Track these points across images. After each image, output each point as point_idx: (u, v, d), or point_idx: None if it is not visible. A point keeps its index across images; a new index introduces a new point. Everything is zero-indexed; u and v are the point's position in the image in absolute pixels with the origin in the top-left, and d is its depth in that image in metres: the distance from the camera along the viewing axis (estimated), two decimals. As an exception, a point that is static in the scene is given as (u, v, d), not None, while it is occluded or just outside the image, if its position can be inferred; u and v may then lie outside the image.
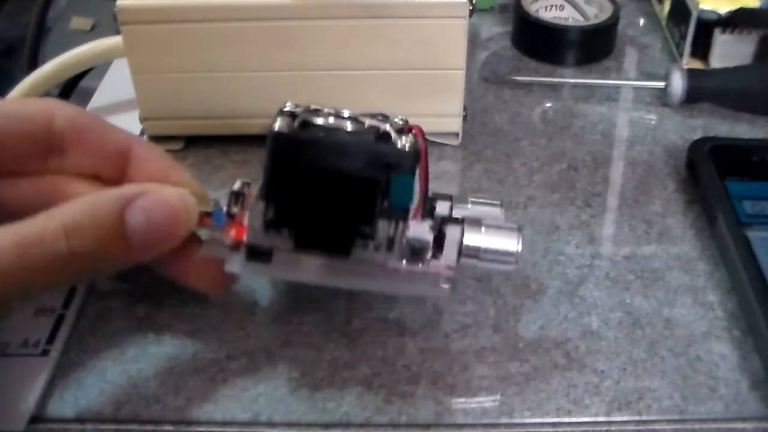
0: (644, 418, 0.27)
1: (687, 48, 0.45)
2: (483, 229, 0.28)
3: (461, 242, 0.28)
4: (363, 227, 0.27)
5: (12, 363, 0.28)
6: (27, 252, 0.23)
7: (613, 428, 0.27)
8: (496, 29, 0.50)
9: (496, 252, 0.28)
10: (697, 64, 0.45)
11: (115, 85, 0.43)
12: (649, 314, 0.31)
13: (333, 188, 0.26)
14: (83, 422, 0.27)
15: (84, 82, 0.44)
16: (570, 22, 0.48)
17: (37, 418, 0.27)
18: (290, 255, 0.27)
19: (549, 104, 0.44)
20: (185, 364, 0.29)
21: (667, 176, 0.38)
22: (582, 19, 0.49)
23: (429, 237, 0.27)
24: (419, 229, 0.27)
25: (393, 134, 0.26)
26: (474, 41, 0.49)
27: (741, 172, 0.35)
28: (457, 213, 0.29)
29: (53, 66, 0.41)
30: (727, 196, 0.34)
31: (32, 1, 0.48)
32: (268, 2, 0.36)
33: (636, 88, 0.45)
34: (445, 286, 0.28)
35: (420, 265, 0.28)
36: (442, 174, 0.38)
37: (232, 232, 0.27)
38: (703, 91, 0.42)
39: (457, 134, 0.40)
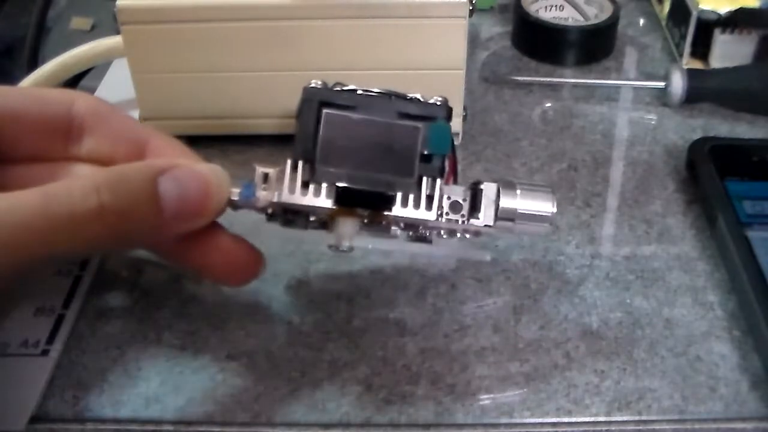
0: (644, 418, 0.27)
1: (687, 48, 0.45)
2: (518, 191, 0.28)
3: (497, 202, 0.28)
4: (404, 179, 0.27)
5: (12, 363, 0.28)
6: (54, 202, 0.23)
7: (613, 428, 0.27)
8: (496, 29, 0.50)
9: (532, 214, 0.28)
10: (697, 64, 0.45)
11: (115, 85, 0.43)
12: (649, 314, 0.31)
13: (374, 138, 0.26)
14: (83, 422, 0.27)
15: (84, 82, 0.44)
16: (570, 22, 0.48)
17: (37, 418, 0.27)
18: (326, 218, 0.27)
19: (549, 104, 0.44)
20: (185, 364, 0.29)
21: (667, 176, 0.38)
22: (582, 19, 0.49)
23: (465, 195, 0.28)
24: (455, 189, 0.28)
25: (420, 96, 0.27)
26: (474, 41, 0.49)
27: (741, 172, 0.35)
28: (505, 201, 0.29)
29: (53, 66, 0.41)
30: (727, 196, 0.34)
31: (32, 1, 0.48)
32: (268, 2, 0.36)
33: (636, 88, 0.45)
34: (487, 257, 0.28)
35: (459, 222, 0.28)
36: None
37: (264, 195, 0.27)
38: (703, 91, 0.42)
39: (457, 134, 0.40)
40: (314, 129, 0.26)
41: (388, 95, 0.27)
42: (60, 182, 0.24)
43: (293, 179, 0.27)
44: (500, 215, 0.28)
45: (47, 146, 0.29)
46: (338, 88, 0.27)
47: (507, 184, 0.28)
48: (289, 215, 0.28)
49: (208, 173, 0.26)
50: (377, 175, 0.26)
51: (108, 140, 0.29)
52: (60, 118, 0.28)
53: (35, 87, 0.32)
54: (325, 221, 0.28)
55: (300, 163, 0.27)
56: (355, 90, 0.27)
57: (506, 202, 0.28)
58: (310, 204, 0.27)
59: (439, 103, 0.27)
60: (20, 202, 0.22)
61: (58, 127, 0.29)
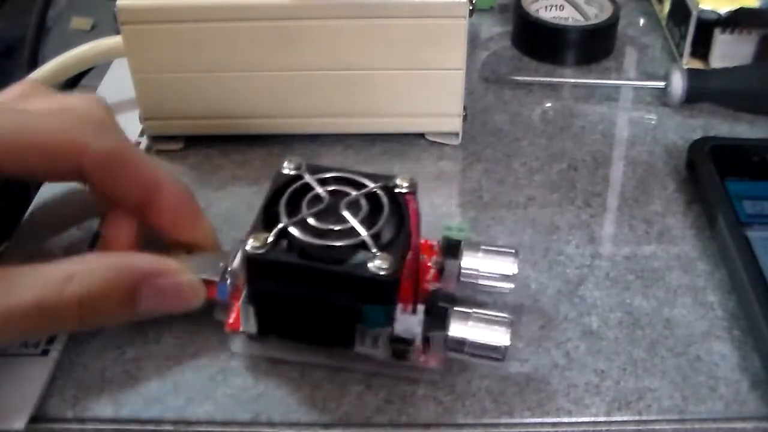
0: (644, 418, 0.27)
1: (687, 48, 0.45)
2: (470, 322, 0.27)
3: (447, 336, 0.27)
4: (344, 349, 0.27)
5: (12, 363, 0.28)
6: (42, 312, 0.25)
7: (613, 428, 0.27)
8: (496, 29, 0.50)
9: (482, 346, 0.27)
10: (697, 64, 0.45)
11: (115, 85, 0.43)
12: (649, 314, 0.31)
13: (311, 311, 0.27)
14: (83, 422, 0.27)
15: (84, 82, 0.44)
16: (570, 22, 0.48)
17: (37, 418, 0.27)
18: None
19: (549, 104, 0.44)
20: (185, 364, 0.29)
21: (667, 176, 0.38)
22: (582, 19, 0.49)
23: (417, 331, 0.27)
24: (407, 324, 0.27)
25: (372, 254, 0.25)
26: (474, 41, 0.49)
27: (741, 172, 0.35)
28: (467, 261, 0.29)
29: (53, 66, 0.41)
30: (727, 196, 0.34)
31: (32, 1, 0.48)
32: (268, 2, 0.36)
33: (636, 88, 0.45)
34: (437, 377, 0.28)
35: (407, 360, 0.27)
36: (442, 174, 0.38)
37: (231, 319, 0.29)
38: (703, 91, 0.42)
39: (457, 134, 0.40)
40: (257, 291, 0.27)
41: (335, 249, 0.26)
42: (53, 287, 0.25)
43: (246, 317, 0.28)
44: (449, 345, 0.27)
45: (49, 179, 0.31)
46: (287, 229, 0.26)
47: (461, 314, 0.27)
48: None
49: (188, 288, 0.28)
50: (318, 338, 0.28)
51: (116, 192, 0.29)
52: (64, 167, 0.28)
53: (51, 115, 0.28)
54: None
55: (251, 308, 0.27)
56: (301, 241, 0.26)
57: (456, 330, 0.27)
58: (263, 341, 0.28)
59: (384, 274, 0.25)
60: (17, 307, 0.25)
61: (63, 172, 0.29)
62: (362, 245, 0.26)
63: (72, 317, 0.25)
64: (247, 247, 0.26)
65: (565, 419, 0.27)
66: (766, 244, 0.31)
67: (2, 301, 0.24)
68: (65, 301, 0.25)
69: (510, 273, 0.29)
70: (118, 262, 0.27)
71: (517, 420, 0.27)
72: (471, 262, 0.29)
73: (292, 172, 0.28)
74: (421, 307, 0.27)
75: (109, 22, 0.38)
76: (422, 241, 0.30)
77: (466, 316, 0.27)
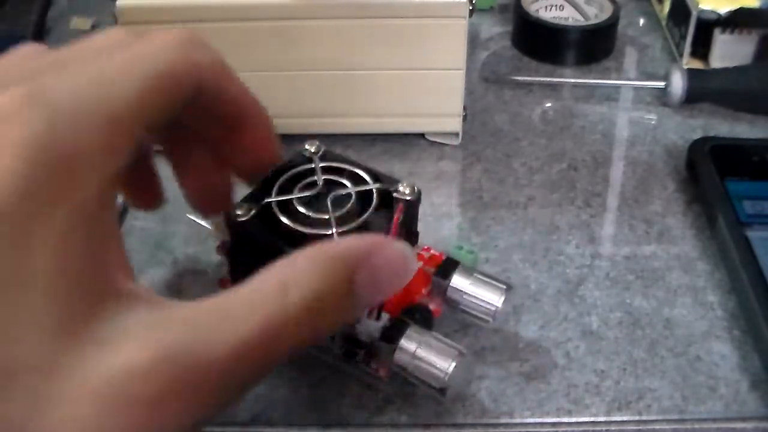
0: (644, 418, 0.27)
1: (687, 48, 0.45)
2: (420, 347, 0.26)
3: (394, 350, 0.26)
4: None
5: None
6: (271, 337, 0.19)
7: (613, 428, 0.27)
8: (496, 29, 0.50)
9: (424, 371, 0.26)
10: (697, 64, 0.45)
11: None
12: (649, 314, 0.31)
13: None
14: (83, 422, 0.27)
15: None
16: (570, 22, 0.48)
17: (37, 418, 0.27)
18: None
19: (549, 104, 0.44)
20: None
21: (667, 176, 0.38)
22: (582, 19, 0.49)
23: (375, 336, 0.26)
24: (368, 328, 0.27)
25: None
26: (474, 41, 0.49)
27: (741, 171, 0.35)
28: (456, 280, 0.29)
29: (53, 66, 0.41)
30: (727, 196, 0.34)
31: (32, 1, 0.48)
32: (268, 2, 0.36)
33: (636, 88, 0.45)
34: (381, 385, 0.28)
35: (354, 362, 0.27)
36: (442, 174, 0.38)
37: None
38: (703, 91, 0.42)
39: (457, 134, 0.40)
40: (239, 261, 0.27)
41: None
42: (275, 304, 0.20)
43: None
44: (395, 360, 0.26)
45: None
46: (276, 210, 0.26)
47: (417, 335, 0.26)
48: None
49: (401, 258, 0.23)
50: None
51: (221, 108, 0.25)
52: (188, 101, 0.23)
53: (167, 62, 0.22)
54: None
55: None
56: (286, 226, 0.26)
57: (404, 348, 0.26)
58: None
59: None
60: (244, 342, 0.19)
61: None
62: (380, 195, 0.27)
63: (303, 334, 0.20)
64: (237, 212, 0.26)
65: (565, 419, 0.27)
66: (766, 244, 0.31)
67: (222, 338, 0.19)
68: (293, 314, 0.20)
69: (494, 306, 0.28)
70: (327, 252, 0.22)
71: (517, 420, 0.27)
72: (460, 282, 0.28)
73: (252, 211, 0.27)
74: (386, 315, 0.27)
75: (109, 22, 0.38)
76: (426, 249, 0.30)
77: (420, 338, 0.26)
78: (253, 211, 0.26)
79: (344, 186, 0.27)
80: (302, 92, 0.38)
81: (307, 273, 0.21)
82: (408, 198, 0.27)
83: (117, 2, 0.35)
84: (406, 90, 0.38)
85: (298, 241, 0.24)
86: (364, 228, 0.26)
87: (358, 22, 0.36)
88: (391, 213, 0.27)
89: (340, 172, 0.28)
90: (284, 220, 0.26)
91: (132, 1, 0.35)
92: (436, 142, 0.40)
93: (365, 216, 0.26)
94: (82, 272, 0.18)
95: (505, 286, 0.28)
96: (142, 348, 0.18)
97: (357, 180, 0.28)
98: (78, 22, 0.50)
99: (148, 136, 0.21)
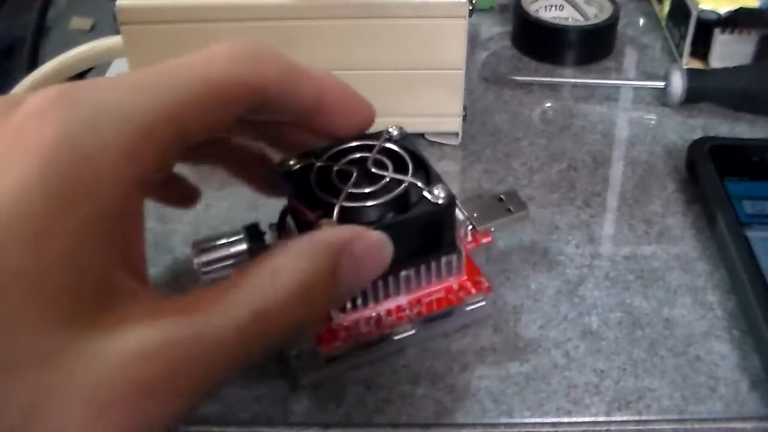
0: (644, 418, 0.27)
1: (687, 48, 0.45)
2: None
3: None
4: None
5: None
6: (262, 324, 0.20)
7: (613, 428, 0.27)
8: (496, 29, 0.50)
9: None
10: (697, 64, 0.45)
11: (115, 85, 0.43)
12: (649, 314, 0.31)
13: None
14: (83, 422, 0.27)
15: (84, 82, 0.44)
16: (570, 22, 0.48)
17: (37, 418, 0.27)
18: None
19: (549, 104, 0.44)
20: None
21: (667, 176, 0.38)
22: (582, 19, 0.49)
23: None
24: None
25: (427, 188, 0.27)
26: (474, 41, 0.49)
27: (741, 172, 0.35)
28: None
29: (53, 66, 0.41)
30: (727, 196, 0.34)
31: (32, 1, 0.48)
32: (268, 2, 0.36)
33: (636, 88, 0.45)
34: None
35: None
36: (442, 174, 0.38)
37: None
38: (703, 91, 0.42)
39: (457, 134, 0.40)
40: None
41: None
42: (266, 296, 0.21)
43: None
44: None
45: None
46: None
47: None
48: None
49: (379, 244, 0.24)
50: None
51: (293, 106, 0.25)
52: (254, 110, 0.24)
53: (223, 74, 0.23)
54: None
55: None
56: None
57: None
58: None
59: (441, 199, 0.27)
60: (238, 331, 0.20)
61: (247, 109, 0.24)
62: (407, 191, 0.27)
63: (293, 318, 0.21)
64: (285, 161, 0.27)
65: (565, 419, 0.27)
66: (766, 244, 0.31)
67: (217, 332, 0.19)
68: (282, 301, 0.21)
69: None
70: (315, 240, 0.23)
71: (517, 420, 0.27)
72: None
73: (299, 165, 0.28)
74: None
75: (109, 22, 0.38)
76: None
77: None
78: (298, 166, 0.27)
79: (363, 159, 0.28)
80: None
81: (296, 261, 0.22)
82: (432, 203, 0.27)
83: (117, 2, 0.35)
84: (406, 90, 0.38)
85: (315, 203, 0.26)
86: (368, 212, 0.26)
87: (358, 22, 0.36)
88: (410, 151, 0.28)
89: (398, 158, 0.28)
90: (311, 180, 0.27)
91: (132, 1, 0.35)
92: (436, 142, 0.40)
93: (407, 157, 0.27)
94: (95, 270, 0.19)
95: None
96: (145, 335, 0.19)
97: (405, 170, 0.28)
98: (78, 22, 0.50)
99: (192, 144, 0.22)
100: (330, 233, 0.23)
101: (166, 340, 0.19)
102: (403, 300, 0.29)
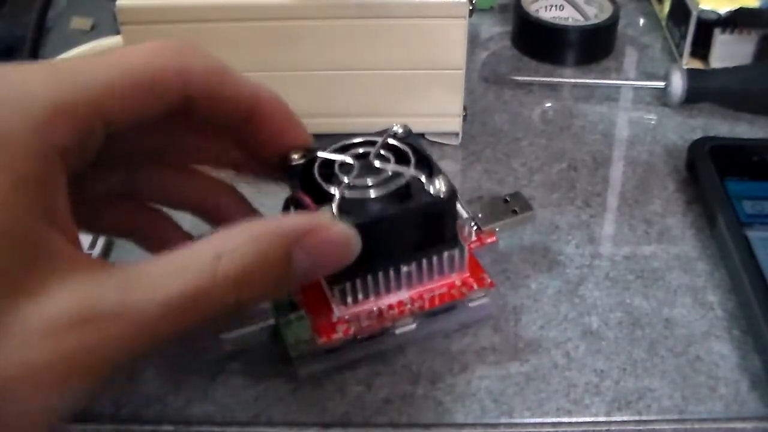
0: (644, 418, 0.27)
1: (687, 48, 0.45)
2: None
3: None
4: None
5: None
6: (197, 301, 0.21)
7: (613, 428, 0.27)
8: (496, 29, 0.50)
9: None
10: (697, 64, 0.45)
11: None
12: (649, 314, 0.31)
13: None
14: (83, 422, 0.27)
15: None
16: (570, 22, 0.48)
17: (37, 418, 0.27)
18: None
19: (549, 104, 0.44)
20: (185, 364, 0.29)
21: (667, 176, 0.38)
22: (582, 19, 0.49)
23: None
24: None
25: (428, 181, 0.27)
26: (474, 41, 0.49)
27: (741, 172, 0.35)
28: None
29: (53, 66, 0.41)
30: (727, 196, 0.34)
31: (32, 1, 0.48)
32: (268, 2, 0.36)
33: (636, 88, 0.45)
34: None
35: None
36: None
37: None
38: (703, 91, 0.42)
39: (457, 134, 0.40)
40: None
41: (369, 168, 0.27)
42: (202, 272, 0.21)
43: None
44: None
45: (157, 140, 0.27)
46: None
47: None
48: None
49: (340, 239, 0.24)
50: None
51: (221, 110, 0.26)
52: (174, 102, 0.25)
53: (141, 49, 0.24)
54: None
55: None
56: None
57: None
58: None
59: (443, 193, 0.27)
60: (172, 299, 0.21)
61: (170, 110, 0.25)
62: (408, 184, 0.27)
63: (228, 301, 0.22)
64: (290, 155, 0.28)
65: (565, 419, 0.27)
66: (766, 244, 0.31)
67: (149, 297, 0.20)
68: (220, 284, 0.21)
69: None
70: (266, 229, 0.23)
71: (517, 420, 0.27)
72: None
73: (303, 159, 0.28)
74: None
75: (109, 22, 0.38)
76: None
77: None
78: (302, 160, 0.27)
79: (366, 153, 0.28)
80: (302, 92, 0.38)
81: (241, 246, 0.22)
82: (432, 196, 0.27)
83: (117, 2, 0.35)
84: (406, 90, 0.38)
85: (318, 194, 0.26)
86: (369, 203, 0.27)
87: (358, 22, 0.36)
88: (414, 148, 0.28)
89: (402, 153, 0.28)
90: (315, 172, 0.27)
91: (132, 1, 0.35)
92: (436, 142, 0.40)
93: (377, 194, 0.27)
94: (17, 231, 0.20)
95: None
96: (73, 300, 0.19)
97: (408, 165, 0.28)
98: (78, 22, 0.50)
99: (120, 130, 0.23)
100: (286, 221, 0.24)
101: (93, 306, 0.19)
102: (404, 295, 0.29)
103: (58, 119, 0.21)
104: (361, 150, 0.28)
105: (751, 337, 0.30)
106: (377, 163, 0.27)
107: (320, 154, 0.28)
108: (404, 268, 0.28)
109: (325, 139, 0.29)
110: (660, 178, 0.38)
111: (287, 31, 0.36)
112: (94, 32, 0.50)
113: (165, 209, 0.30)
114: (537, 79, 0.45)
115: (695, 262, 0.33)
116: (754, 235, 0.32)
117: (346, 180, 0.26)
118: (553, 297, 0.32)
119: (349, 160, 0.27)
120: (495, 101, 0.44)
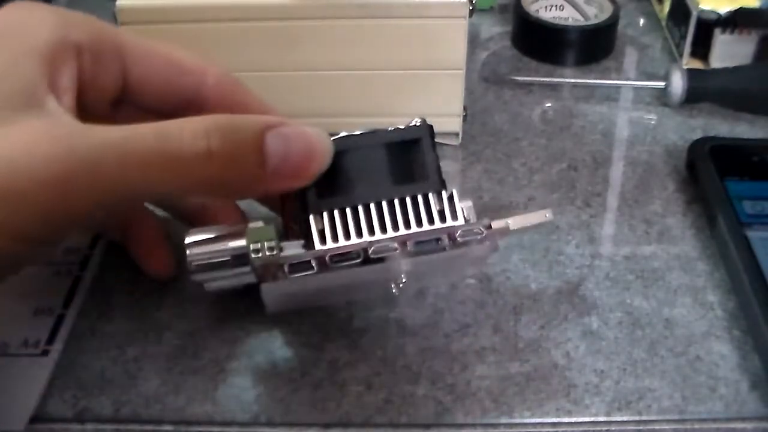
0: (644, 418, 0.27)
1: (687, 48, 0.45)
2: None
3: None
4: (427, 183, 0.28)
5: (12, 363, 0.28)
6: (167, 141, 0.24)
7: (613, 428, 0.27)
8: (496, 29, 0.50)
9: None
10: (697, 64, 0.45)
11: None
12: (649, 314, 0.31)
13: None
14: (83, 422, 0.27)
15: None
16: (570, 22, 0.48)
17: (37, 418, 0.27)
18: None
19: (549, 104, 0.44)
20: (185, 364, 0.29)
21: (667, 176, 0.38)
22: (582, 19, 0.49)
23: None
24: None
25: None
26: (474, 41, 0.49)
27: (741, 172, 0.35)
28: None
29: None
30: (727, 196, 0.34)
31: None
32: (268, 2, 0.36)
33: (636, 88, 0.45)
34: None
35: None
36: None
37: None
38: (703, 91, 0.42)
39: (457, 134, 0.40)
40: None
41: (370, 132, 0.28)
42: (171, 122, 0.24)
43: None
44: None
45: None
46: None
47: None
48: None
49: (314, 137, 0.26)
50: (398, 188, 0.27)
51: (161, 99, 0.29)
52: (190, 95, 0.29)
53: (169, 47, 0.30)
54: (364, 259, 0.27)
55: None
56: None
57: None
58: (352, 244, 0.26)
59: (418, 123, 0.28)
60: (136, 135, 0.24)
61: (185, 100, 0.29)
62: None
63: (202, 172, 0.24)
64: None
65: (565, 419, 0.27)
66: (766, 244, 0.31)
67: (122, 142, 0.23)
68: (193, 152, 0.23)
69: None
70: (241, 116, 0.26)
71: (517, 420, 0.27)
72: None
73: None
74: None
75: (109, 22, 0.37)
76: None
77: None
78: None
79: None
80: (302, 92, 0.38)
81: (220, 127, 0.24)
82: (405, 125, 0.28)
83: (117, 2, 0.35)
84: (406, 90, 0.38)
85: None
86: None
87: (358, 22, 0.36)
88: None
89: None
90: None
91: (132, 1, 0.35)
92: (436, 142, 0.40)
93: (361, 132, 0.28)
94: (20, 79, 0.24)
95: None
96: (26, 133, 0.23)
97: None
98: (78, 22, 0.50)
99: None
100: (262, 116, 0.26)
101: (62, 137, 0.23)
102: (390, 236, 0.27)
103: (75, 25, 0.26)
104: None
105: (751, 337, 0.30)
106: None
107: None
108: (385, 204, 0.27)
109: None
110: (660, 178, 0.38)
111: (287, 31, 0.36)
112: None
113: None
114: (537, 79, 0.45)
115: (695, 262, 0.33)
116: (754, 235, 0.32)
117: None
118: (553, 297, 0.32)
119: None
120: (495, 101, 0.44)
